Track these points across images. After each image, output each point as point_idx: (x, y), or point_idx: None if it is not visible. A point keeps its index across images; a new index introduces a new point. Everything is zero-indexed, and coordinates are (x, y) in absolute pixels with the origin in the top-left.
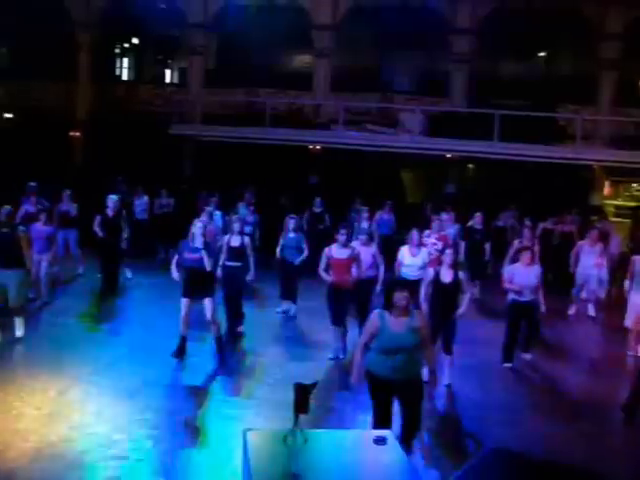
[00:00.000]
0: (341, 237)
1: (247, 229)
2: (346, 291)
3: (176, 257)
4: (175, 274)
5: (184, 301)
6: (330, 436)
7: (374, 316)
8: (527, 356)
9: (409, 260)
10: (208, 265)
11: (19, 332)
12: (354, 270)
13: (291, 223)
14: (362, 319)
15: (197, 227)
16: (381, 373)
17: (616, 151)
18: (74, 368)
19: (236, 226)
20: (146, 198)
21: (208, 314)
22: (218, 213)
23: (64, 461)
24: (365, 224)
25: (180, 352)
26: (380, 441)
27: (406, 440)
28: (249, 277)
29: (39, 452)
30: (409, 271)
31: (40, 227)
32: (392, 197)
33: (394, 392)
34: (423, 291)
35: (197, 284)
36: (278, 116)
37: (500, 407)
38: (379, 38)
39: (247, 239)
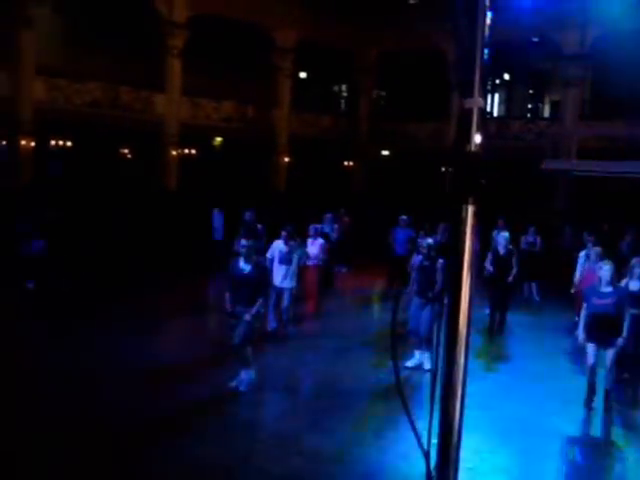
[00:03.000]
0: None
1: None
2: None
3: (584, 312)
4: (581, 336)
5: (590, 347)
6: None
7: None
8: None
9: None
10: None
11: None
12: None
13: None
14: None
15: (605, 270)
16: None
17: None
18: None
19: (637, 271)
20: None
21: (608, 362)
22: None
23: None
24: None
25: (589, 402)
26: None
27: None
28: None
29: None
30: None
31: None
32: None
33: None
34: None
35: (605, 331)
36: None
37: None
38: None
39: None
